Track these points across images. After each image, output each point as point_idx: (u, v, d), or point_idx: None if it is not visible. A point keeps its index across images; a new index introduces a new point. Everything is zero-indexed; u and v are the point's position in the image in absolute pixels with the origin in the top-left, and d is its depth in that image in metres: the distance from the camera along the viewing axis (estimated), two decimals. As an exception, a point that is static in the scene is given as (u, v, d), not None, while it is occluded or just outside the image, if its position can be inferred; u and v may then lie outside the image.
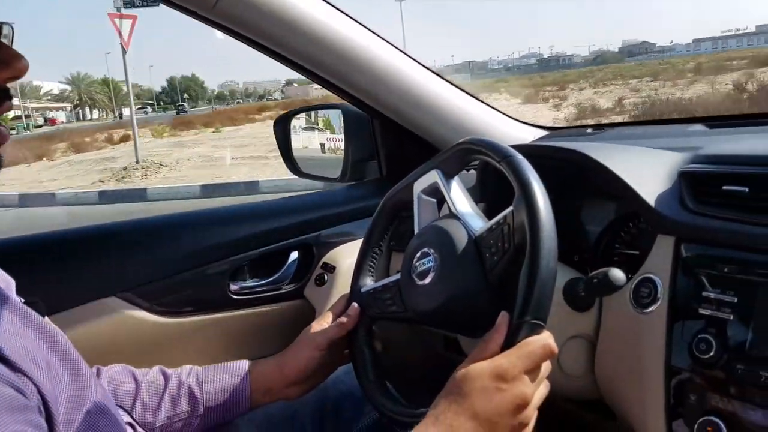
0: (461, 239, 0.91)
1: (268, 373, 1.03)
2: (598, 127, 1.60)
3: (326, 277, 1.56)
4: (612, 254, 1.21)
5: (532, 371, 0.75)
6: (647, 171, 1.09)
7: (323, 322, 1.05)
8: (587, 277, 0.98)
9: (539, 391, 0.77)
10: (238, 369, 1.03)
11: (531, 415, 0.75)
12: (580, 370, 1.05)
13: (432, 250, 0.94)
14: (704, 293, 0.90)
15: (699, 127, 1.40)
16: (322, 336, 1.03)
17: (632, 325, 0.98)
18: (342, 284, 1.50)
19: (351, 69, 1.44)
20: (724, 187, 0.93)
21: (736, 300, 0.86)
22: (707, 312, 0.88)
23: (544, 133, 1.66)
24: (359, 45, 1.42)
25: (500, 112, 1.68)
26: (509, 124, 1.67)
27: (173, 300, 1.49)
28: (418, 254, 0.96)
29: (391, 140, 1.68)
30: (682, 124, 1.48)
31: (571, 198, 1.30)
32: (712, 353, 0.85)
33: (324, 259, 1.60)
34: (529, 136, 1.66)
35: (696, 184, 0.98)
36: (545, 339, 0.77)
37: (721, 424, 0.82)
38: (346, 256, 1.56)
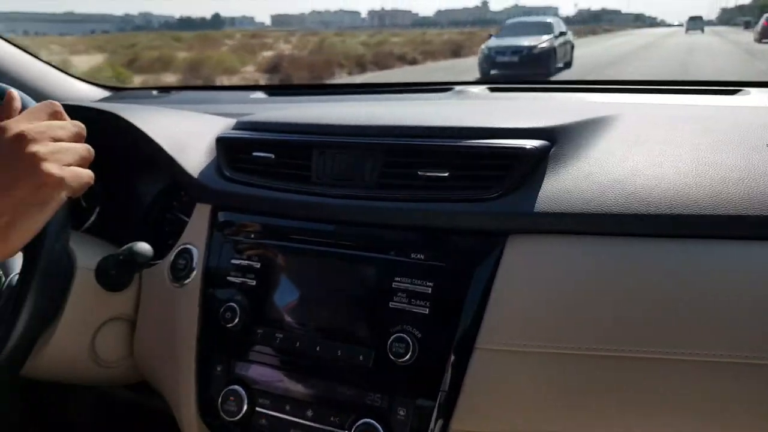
0: None
1: None
2: (165, 89, 1.51)
3: None
4: (164, 224, 1.14)
5: (28, 116, 0.66)
6: (193, 138, 1.03)
7: None
8: (114, 254, 0.88)
9: (47, 124, 0.65)
10: None
11: (44, 150, 0.63)
12: (118, 355, 0.96)
13: None
14: (233, 261, 0.88)
15: (260, 94, 1.43)
16: None
17: (169, 300, 0.92)
18: None
19: None
20: (254, 153, 0.93)
21: (259, 265, 0.86)
22: (236, 279, 0.87)
23: (108, 93, 1.50)
24: None
25: (56, 67, 1.45)
26: (67, 81, 1.45)
27: None
28: None
29: None
30: (247, 90, 1.49)
31: (124, 166, 1.18)
32: (236, 321, 0.84)
33: None
34: (92, 96, 1.47)
35: (231, 150, 0.96)
36: None
37: (243, 392, 0.82)
38: None
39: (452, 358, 0.73)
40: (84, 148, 0.68)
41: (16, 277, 0.85)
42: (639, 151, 0.76)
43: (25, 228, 0.62)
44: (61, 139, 0.65)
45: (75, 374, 0.95)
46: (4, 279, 0.87)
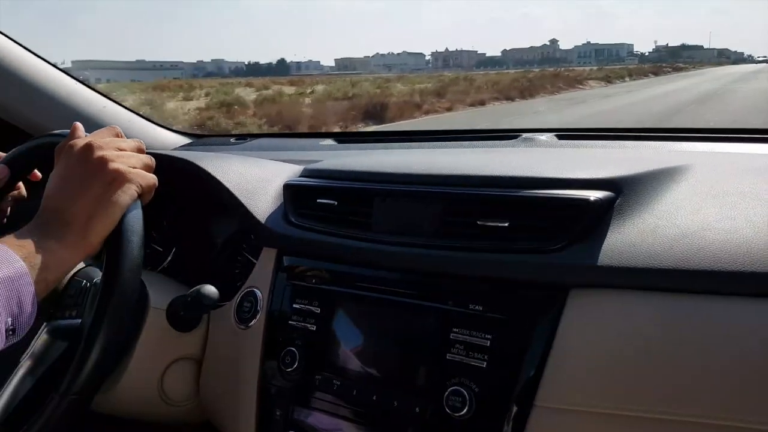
0: None
1: None
2: (242, 137, 1.58)
3: None
4: (236, 266, 1.18)
5: (93, 135, 0.76)
6: (262, 184, 1.07)
7: None
8: (184, 295, 0.92)
9: (110, 139, 0.76)
10: None
11: (110, 154, 0.73)
12: (185, 394, 0.99)
13: None
14: (295, 305, 0.90)
15: (330, 141, 1.47)
16: None
17: (235, 341, 0.95)
18: None
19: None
20: (319, 200, 0.95)
21: (319, 311, 0.88)
22: (296, 324, 0.89)
23: (189, 140, 1.58)
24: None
25: (141, 115, 1.55)
26: (150, 129, 1.55)
27: None
28: None
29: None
30: (317, 137, 1.53)
31: (199, 210, 1.24)
32: (295, 365, 0.85)
33: None
34: (174, 143, 1.56)
35: (296, 197, 0.99)
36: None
37: None
38: None
39: (510, 415, 0.70)
40: (146, 156, 0.78)
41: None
42: (710, 203, 0.72)
43: (103, 222, 0.70)
44: (124, 150, 0.75)
45: (143, 411, 0.98)
46: (89, 285, 0.90)
